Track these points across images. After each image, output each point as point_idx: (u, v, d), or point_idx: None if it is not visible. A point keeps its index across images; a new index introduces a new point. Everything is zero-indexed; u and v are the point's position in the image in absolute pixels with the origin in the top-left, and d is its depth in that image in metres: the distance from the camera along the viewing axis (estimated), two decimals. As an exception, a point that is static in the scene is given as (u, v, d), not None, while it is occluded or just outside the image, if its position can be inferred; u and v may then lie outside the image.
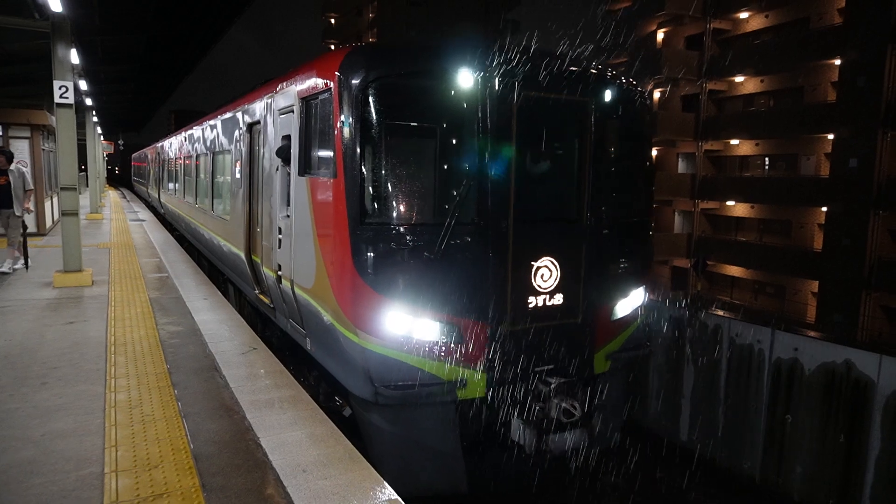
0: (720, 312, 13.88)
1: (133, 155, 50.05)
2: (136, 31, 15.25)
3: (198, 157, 13.29)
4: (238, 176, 8.74)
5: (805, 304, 25.46)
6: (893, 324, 22.20)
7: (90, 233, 17.57)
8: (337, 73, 5.16)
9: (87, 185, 31.28)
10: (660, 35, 33.09)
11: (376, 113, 5.04)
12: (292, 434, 4.63)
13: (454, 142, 5.43)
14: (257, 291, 8.04)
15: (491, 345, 5.25)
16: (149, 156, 30.27)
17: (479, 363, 5.24)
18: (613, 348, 6.07)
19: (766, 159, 29.85)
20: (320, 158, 5.66)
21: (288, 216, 6.37)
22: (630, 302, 6.16)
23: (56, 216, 18.45)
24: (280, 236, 6.56)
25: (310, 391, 5.82)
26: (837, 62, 24.50)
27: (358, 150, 4.94)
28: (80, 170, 24.90)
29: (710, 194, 30.45)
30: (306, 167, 5.91)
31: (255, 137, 8.09)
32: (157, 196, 24.86)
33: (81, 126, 23.15)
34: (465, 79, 5.15)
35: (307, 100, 5.90)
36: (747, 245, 28.77)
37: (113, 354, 6.41)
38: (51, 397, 5.24)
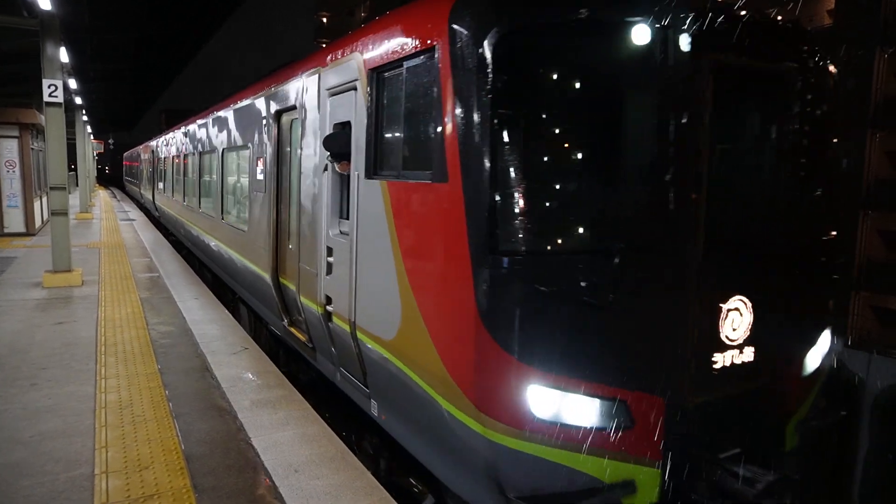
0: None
1: (125, 154, 48.83)
2: (126, 30, 15.17)
3: (203, 154, 11.61)
4: (260, 177, 7.13)
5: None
6: (883, 323, 22.41)
7: (80, 232, 17.45)
8: (449, 23, 3.52)
9: (77, 185, 31.09)
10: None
11: (516, 85, 3.41)
12: (284, 434, 4.61)
13: (627, 129, 3.73)
14: (286, 322, 6.43)
15: (668, 426, 3.60)
16: (142, 155, 28.20)
17: (652, 454, 3.59)
18: (802, 415, 4.37)
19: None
20: (411, 154, 4.02)
21: (344, 233, 4.81)
22: (819, 349, 4.46)
23: (45, 216, 18.31)
24: (330, 259, 5.00)
25: (367, 462, 4.63)
26: (827, 63, 24.72)
27: (487, 142, 3.29)
28: (70, 169, 24.69)
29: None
30: (380, 165, 4.31)
31: (285, 128, 6.56)
32: (150, 198, 23.02)
33: (71, 125, 23.00)
34: (642, 34, 3.45)
35: (381, 71, 4.28)
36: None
37: (103, 355, 6.37)
38: (40, 398, 5.20)
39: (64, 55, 11.44)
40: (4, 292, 9.36)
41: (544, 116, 3.63)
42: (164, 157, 18.29)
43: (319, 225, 5.23)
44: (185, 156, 13.85)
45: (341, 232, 4.93)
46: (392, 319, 4.02)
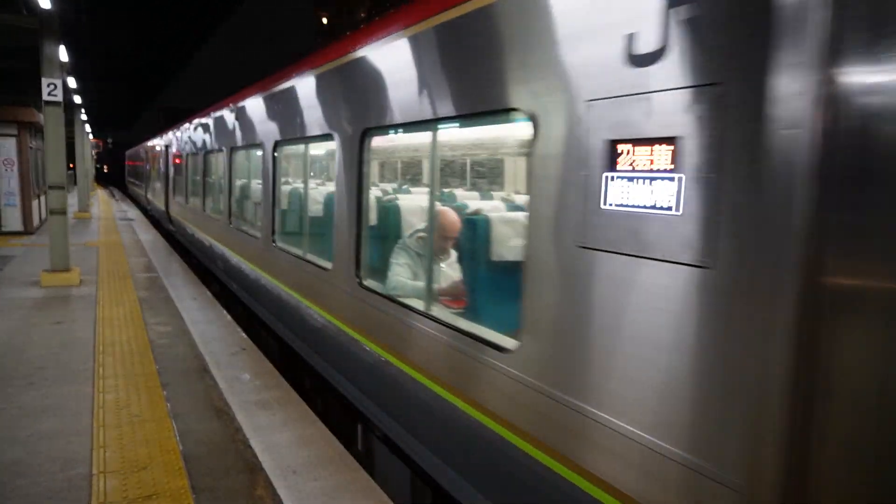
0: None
1: (128, 152, 45.77)
2: (126, 29, 15.15)
3: (281, 144, 6.84)
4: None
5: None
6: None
7: (78, 231, 17.41)
8: None
9: (76, 184, 31.07)
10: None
11: None
12: (283, 435, 4.60)
13: None
14: None
15: None
16: (147, 153, 23.10)
17: None
18: None
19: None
20: None
21: None
22: None
23: (43, 214, 18.29)
24: None
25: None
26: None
27: None
28: (69, 168, 24.61)
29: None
30: None
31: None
32: (163, 207, 17.95)
33: (70, 124, 22.97)
34: None
35: None
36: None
37: (101, 355, 6.35)
38: (38, 398, 5.18)
39: (63, 54, 11.43)
40: (2, 291, 9.34)
41: None
42: (191, 154, 13.21)
43: None
44: (233, 149, 9.25)
45: None
46: None
